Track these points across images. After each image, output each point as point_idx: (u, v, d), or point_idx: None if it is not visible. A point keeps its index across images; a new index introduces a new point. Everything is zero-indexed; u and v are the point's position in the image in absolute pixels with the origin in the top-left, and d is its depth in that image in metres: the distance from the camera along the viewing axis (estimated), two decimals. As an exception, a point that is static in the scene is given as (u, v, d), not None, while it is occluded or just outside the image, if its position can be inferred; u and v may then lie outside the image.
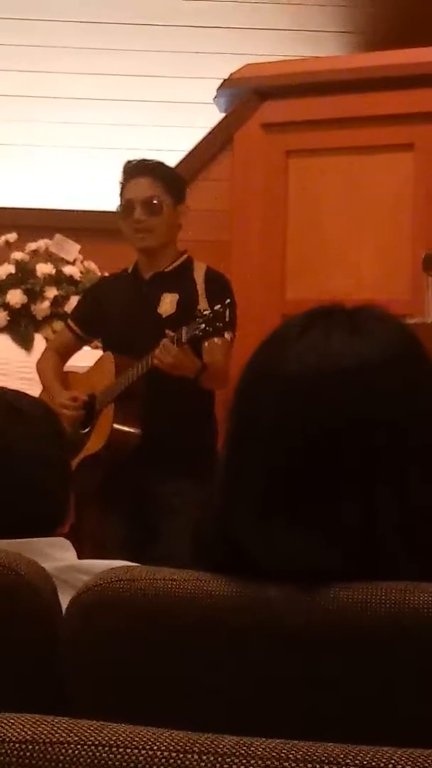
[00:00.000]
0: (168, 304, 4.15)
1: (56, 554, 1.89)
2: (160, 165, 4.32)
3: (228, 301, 3.80)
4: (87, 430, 4.26)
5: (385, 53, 5.53)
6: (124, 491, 4.12)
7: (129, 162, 4.31)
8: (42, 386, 4.51)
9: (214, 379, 3.98)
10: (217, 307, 3.77)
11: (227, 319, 3.75)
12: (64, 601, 1.47)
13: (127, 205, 4.22)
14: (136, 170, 4.25)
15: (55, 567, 1.76)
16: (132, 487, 4.10)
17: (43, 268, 5.48)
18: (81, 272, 5.55)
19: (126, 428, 4.11)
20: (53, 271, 5.49)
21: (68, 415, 4.28)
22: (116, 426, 4.11)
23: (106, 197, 5.88)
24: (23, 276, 5.48)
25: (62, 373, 4.48)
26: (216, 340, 3.80)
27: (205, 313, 3.79)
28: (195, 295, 4.10)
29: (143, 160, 4.31)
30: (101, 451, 4.13)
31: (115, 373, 4.15)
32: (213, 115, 5.88)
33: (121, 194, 4.28)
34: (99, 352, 4.50)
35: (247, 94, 5.75)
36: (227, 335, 3.83)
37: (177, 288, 4.17)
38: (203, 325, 3.76)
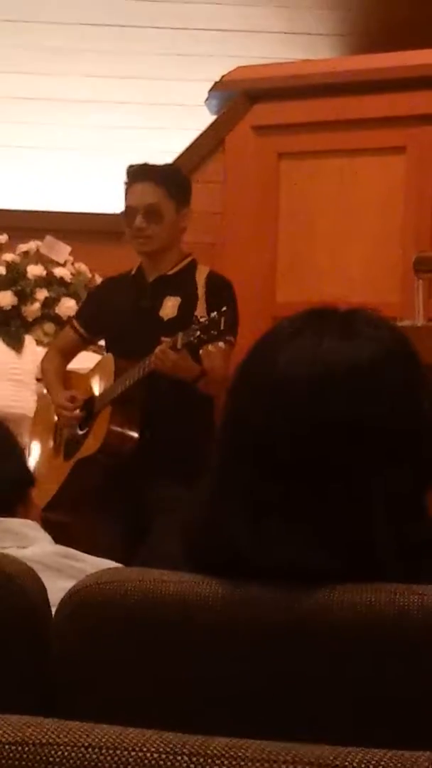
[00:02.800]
0: (170, 307, 4.13)
1: (32, 533, 1.96)
2: (162, 169, 4.28)
3: (224, 309, 3.78)
4: (85, 431, 4.25)
5: (376, 56, 5.53)
6: (120, 494, 4.11)
7: (131, 166, 4.25)
8: (45, 385, 4.50)
9: (213, 384, 3.96)
10: (213, 314, 3.76)
11: (222, 328, 3.73)
12: (57, 588, 1.47)
13: (128, 211, 4.18)
14: (137, 175, 4.20)
15: (44, 553, 1.79)
16: (128, 489, 4.09)
17: (34, 270, 5.47)
18: (72, 274, 5.55)
19: (122, 431, 4.10)
20: (44, 273, 5.49)
21: (66, 416, 4.27)
22: (112, 428, 4.10)
23: (97, 199, 5.89)
24: (14, 277, 5.48)
25: (65, 373, 4.47)
26: (210, 347, 3.78)
27: (201, 320, 3.78)
28: (195, 299, 4.09)
29: (145, 165, 4.26)
30: (97, 453, 4.12)
31: (114, 376, 4.14)
32: (204, 118, 5.88)
33: (125, 198, 4.24)
34: (99, 356, 4.49)
35: (238, 97, 5.76)
36: (222, 344, 3.80)
37: (179, 291, 4.14)
38: (198, 333, 3.75)
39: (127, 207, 4.19)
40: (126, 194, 4.21)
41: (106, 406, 4.14)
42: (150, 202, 4.12)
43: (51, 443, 4.43)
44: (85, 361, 4.57)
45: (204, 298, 4.08)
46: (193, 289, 4.12)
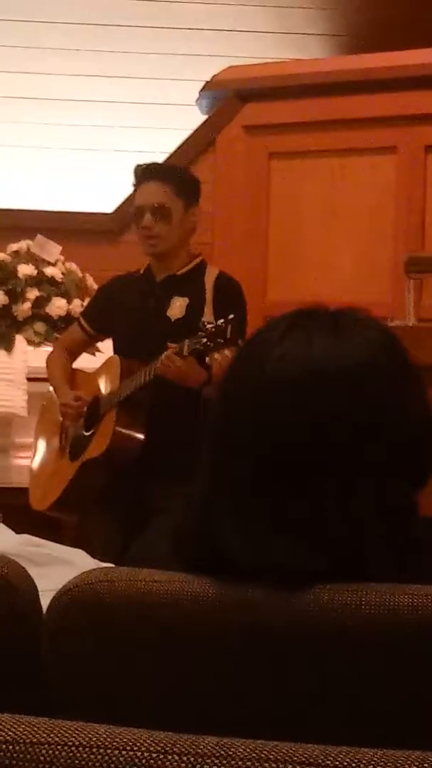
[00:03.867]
0: (178, 308, 4.11)
1: None
2: (170, 168, 4.27)
3: (231, 316, 3.75)
4: (91, 432, 4.23)
5: (368, 56, 5.54)
6: (126, 494, 4.10)
7: (139, 166, 4.23)
8: (50, 384, 4.49)
9: None
10: (220, 322, 3.73)
11: (228, 336, 3.70)
12: (32, 575, 1.48)
13: (137, 211, 4.17)
14: (145, 175, 4.18)
15: (10, 543, 1.81)
16: (134, 490, 4.07)
17: (25, 269, 5.47)
18: (62, 273, 5.54)
19: (129, 432, 4.08)
20: (35, 272, 5.48)
21: (70, 415, 4.26)
22: (119, 430, 4.08)
23: (87, 198, 5.88)
24: (4, 277, 5.47)
25: (70, 371, 4.46)
26: (216, 355, 3.76)
27: (207, 326, 3.75)
28: (203, 301, 4.07)
29: (153, 164, 4.25)
30: (103, 455, 4.10)
31: (120, 377, 4.12)
32: (195, 117, 5.88)
33: (133, 199, 4.23)
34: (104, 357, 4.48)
35: (229, 97, 5.76)
36: (228, 352, 3.77)
37: (188, 292, 4.12)
38: (205, 340, 3.72)
39: (135, 207, 4.17)
40: (134, 194, 4.20)
41: (112, 408, 4.13)
42: (158, 201, 4.10)
43: (57, 443, 4.41)
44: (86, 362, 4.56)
45: (212, 302, 4.06)
46: (201, 291, 4.10)
